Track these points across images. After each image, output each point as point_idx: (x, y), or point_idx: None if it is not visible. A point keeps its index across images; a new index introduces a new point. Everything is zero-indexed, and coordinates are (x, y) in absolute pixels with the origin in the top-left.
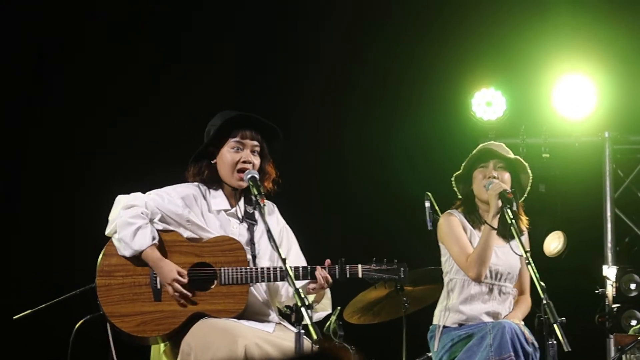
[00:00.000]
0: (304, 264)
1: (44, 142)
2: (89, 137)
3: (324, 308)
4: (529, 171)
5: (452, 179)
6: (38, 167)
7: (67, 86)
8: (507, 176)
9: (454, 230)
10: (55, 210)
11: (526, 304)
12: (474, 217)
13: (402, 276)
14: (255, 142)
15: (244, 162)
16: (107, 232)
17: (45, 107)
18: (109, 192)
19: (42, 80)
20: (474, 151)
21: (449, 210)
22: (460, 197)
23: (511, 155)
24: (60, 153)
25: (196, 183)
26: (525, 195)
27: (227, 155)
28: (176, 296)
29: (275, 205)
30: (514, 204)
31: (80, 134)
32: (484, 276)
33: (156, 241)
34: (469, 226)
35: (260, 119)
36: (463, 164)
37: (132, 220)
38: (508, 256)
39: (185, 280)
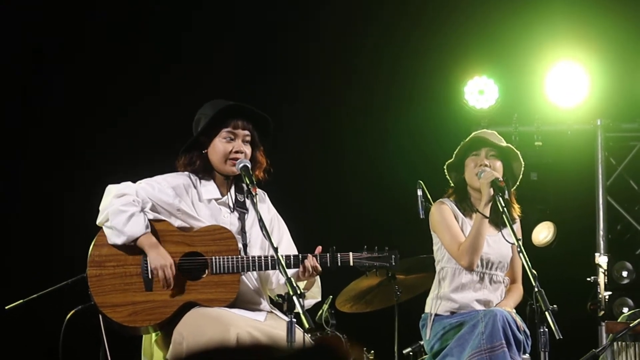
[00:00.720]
0: (295, 252)
1: (43, 141)
2: (87, 135)
3: (314, 296)
4: (521, 159)
5: (445, 167)
6: (33, 159)
7: (67, 86)
8: (499, 164)
9: (445, 219)
10: (46, 201)
11: (518, 292)
12: (466, 205)
13: (394, 263)
14: (247, 132)
15: (236, 152)
16: (98, 221)
17: (45, 107)
18: (101, 183)
19: (42, 80)
20: (466, 139)
21: (440, 199)
22: (452, 185)
23: (503, 143)
24: (57, 143)
25: (187, 172)
26: (517, 183)
27: (219, 145)
28: (164, 282)
29: (266, 194)
30: (506, 192)
31: (79, 133)
32: (476, 264)
33: (149, 229)
34: (460, 214)
35: (252, 108)
36: (455, 152)
37: (124, 207)
38: (499, 244)
39: (173, 270)
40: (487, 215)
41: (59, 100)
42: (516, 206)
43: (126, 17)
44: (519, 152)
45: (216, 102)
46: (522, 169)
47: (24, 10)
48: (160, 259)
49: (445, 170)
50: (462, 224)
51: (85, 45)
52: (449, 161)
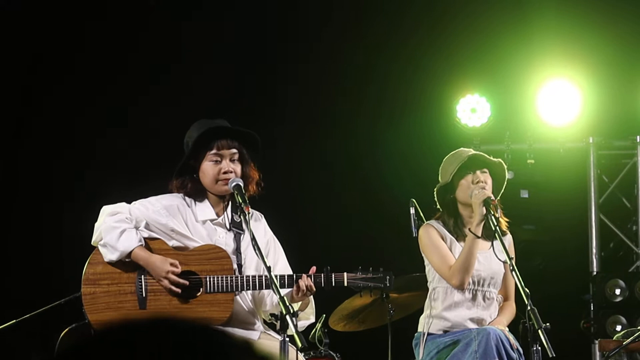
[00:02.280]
0: (290, 273)
1: (35, 151)
2: (79, 148)
3: (307, 317)
4: (506, 171)
5: (435, 190)
6: (27, 177)
7: (59, 96)
8: (490, 181)
9: (433, 241)
10: (41, 219)
11: (510, 310)
12: (457, 229)
13: (388, 285)
14: (234, 150)
15: (225, 172)
16: (93, 240)
17: (37, 118)
18: (97, 201)
19: (35, 91)
20: (454, 160)
21: (427, 222)
22: (439, 208)
23: (492, 159)
24: (50, 163)
25: (181, 194)
26: (502, 191)
27: (208, 168)
28: (173, 288)
29: (262, 215)
30: (499, 210)
31: (71, 145)
32: (467, 284)
33: (143, 243)
34: (448, 236)
35: (235, 128)
36: (443, 173)
37: (117, 224)
38: (490, 261)
39: (179, 269)
40: (479, 235)
41: (50, 110)
42: (503, 219)
43: (123, 28)
44: (505, 165)
45: (201, 122)
46: (506, 178)
47: (24, 15)
48: (161, 268)
49: (435, 194)
50: (451, 245)
51: (84, 53)
52: (441, 183)
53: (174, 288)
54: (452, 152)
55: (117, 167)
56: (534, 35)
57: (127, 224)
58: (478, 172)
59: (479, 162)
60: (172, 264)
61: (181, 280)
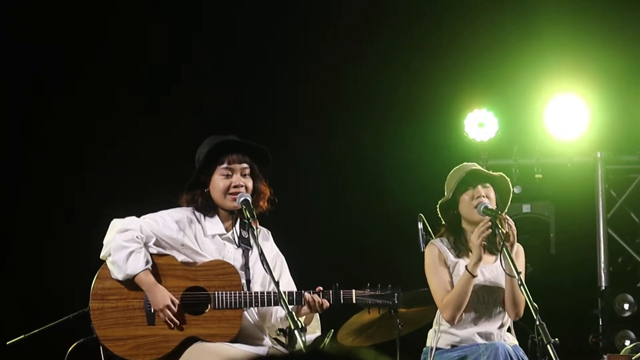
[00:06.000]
0: (295, 289)
1: (41, 162)
2: (87, 157)
3: (313, 330)
4: (510, 185)
5: (438, 206)
6: (32, 190)
7: (64, 109)
8: (493, 195)
9: (434, 263)
10: (49, 233)
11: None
12: (460, 245)
13: (396, 302)
14: (245, 165)
15: (235, 186)
16: (102, 255)
17: (44, 132)
18: (105, 215)
19: (41, 111)
20: (454, 174)
21: (432, 240)
22: (443, 224)
23: (493, 173)
24: (56, 175)
25: (191, 208)
26: (508, 204)
27: (219, 182)
28: (167, 322)
29: (269, 232)
30: (507, 225)
31: (78, 154)
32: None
33: (149, 266)
34: (451, 256)
35: (245, 142)
36: (447, 188)
37: (126, 243)
38: (497, 275)
39: (175, 309)
40: (475, 274)
41: (56, 125)
42: (512, 229)
43: (125, 42)
44: (508, 178)
45: (213, 138)
46: (511, 191)
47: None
48: (160, 300)
49: (438, 210)
50: (456, 267)
51: (85, 73)
52: (443, 199)
53: (167, 322)
54: (455, 167)
55: (124, 178)
56: (542, 50)
57: (136, 244)
58: (479, 186)
59: (481, 176)
60: (172, 301)
61: (174, 319)
